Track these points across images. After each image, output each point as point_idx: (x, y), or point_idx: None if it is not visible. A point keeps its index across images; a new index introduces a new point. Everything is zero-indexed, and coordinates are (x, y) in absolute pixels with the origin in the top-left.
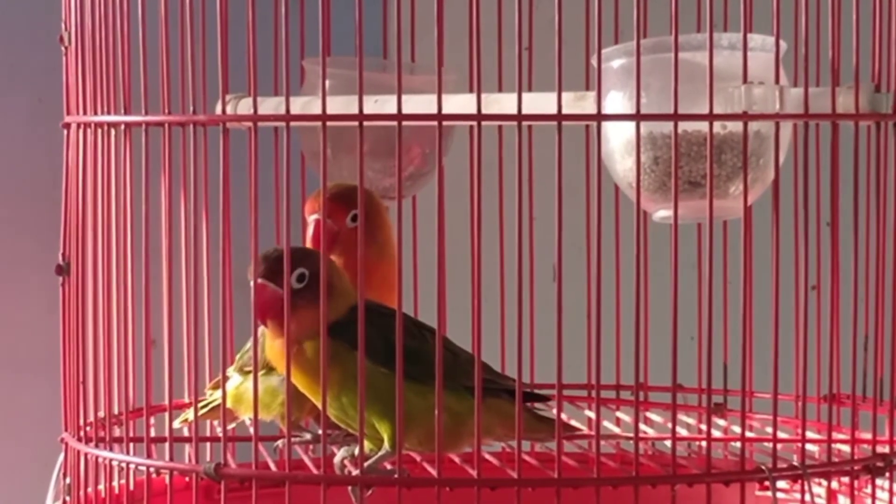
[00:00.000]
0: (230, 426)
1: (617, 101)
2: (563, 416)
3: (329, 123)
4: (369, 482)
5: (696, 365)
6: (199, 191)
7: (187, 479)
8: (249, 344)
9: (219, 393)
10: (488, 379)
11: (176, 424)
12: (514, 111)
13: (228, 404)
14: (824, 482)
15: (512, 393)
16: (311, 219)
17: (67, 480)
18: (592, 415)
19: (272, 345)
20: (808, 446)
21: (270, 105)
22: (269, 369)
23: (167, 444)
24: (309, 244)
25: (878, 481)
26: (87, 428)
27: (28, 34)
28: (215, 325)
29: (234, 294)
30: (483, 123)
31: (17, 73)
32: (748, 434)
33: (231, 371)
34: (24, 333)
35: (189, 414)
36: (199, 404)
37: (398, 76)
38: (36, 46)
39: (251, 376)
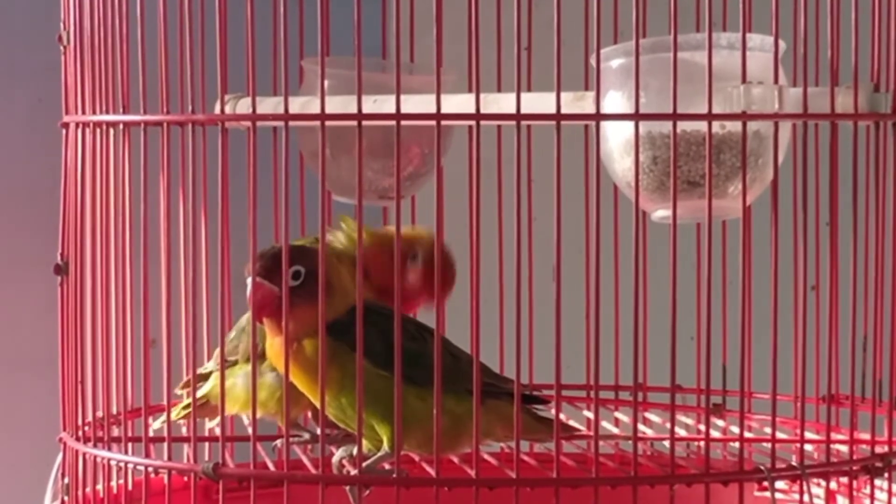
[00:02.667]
0: (212, 424)
1: (616, 100)
2: (562, 417)
3: (328, 123)
4: (367, 482)
5: (694, 365)
6: (198, 190)
7: (186, 478)
8: (231, 334)
9: (201, 391)
10: (488, 382)
11: (156, 425)
12: (513, 111)
13: (211, 402)
14: (823, 482)
15: (512, 395)
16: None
17: (66, 480)
18: (591, 415)
19: (271, 343)
20: (807, 447)
21: (269, 105)
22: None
23: (165, 444)
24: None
25: (877, 482)
26: (86, 428)
27: (28, 34)
28: (214, 324)
29: (232, 294)
30: (482, 123)
31: (17, 73)
32: (747, 434)
33: (211, 364)
34: (23, 333)
35: (174, 412)
36: (181, 404)
37: (397, 76)
38: (36, 46)
39: (233, 370)
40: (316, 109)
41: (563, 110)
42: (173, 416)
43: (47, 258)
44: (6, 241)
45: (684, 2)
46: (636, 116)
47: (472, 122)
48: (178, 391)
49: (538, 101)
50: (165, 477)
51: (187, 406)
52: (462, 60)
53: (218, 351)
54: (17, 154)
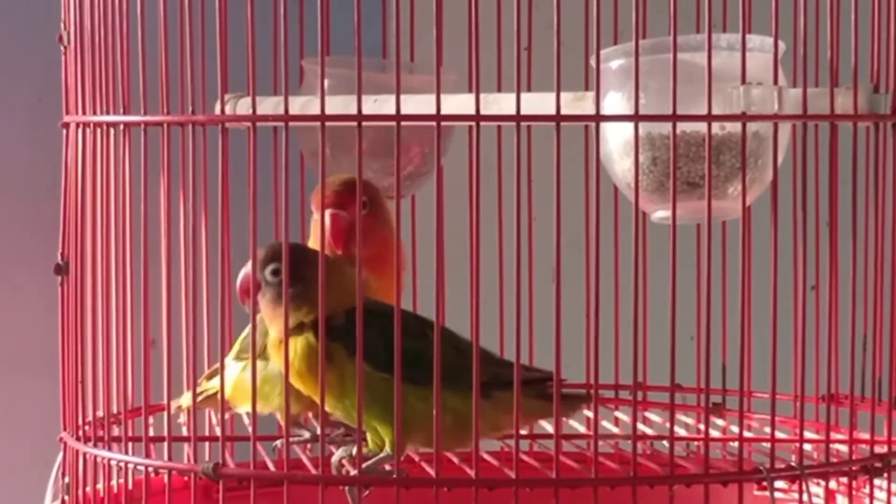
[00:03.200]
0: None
1: (616, 101)
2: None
3: (328, 123)
4: (367, 482)
5: (694, 365)
6: (198, 191)
7: (186, 478)
8: (247, 330)
9: (212, 383)
10: (495, 372)
11: (165, 422)
12: (513, 111)
13: (226, 395)
14: (822, 482)
15: (524, 383)
16: (328, 213)
17: (66, 480)
18: (591, 414)
19: (273, 341)
20: (806, 446)
21: (269, 105)
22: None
23: (166, 444)
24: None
25: (876, 481)
26: (86, 427)
27: (28, 34)
28: (214, 324)
29: (232, 293)
30: (482, 124)
31: (17, 73)
32: (746, 434)
33: (228, 359)
34: (23, 333)
35: (184, 400)
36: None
37: (397, 76)
38: (36, 46)
39: (246, 364)
40: (316, 109)
41: (563, 111)
42: (184, 401)
43: (47, 258)
44: (6, 241)
45: (684, 3)
46: (636, 117)
47: (473, 123)
48: (201, 380)
49: (538, 102)
50: (165, 477)
51: (200, 394)
52: (462, 60)
53: (236, 345)
54: (17, 154)
